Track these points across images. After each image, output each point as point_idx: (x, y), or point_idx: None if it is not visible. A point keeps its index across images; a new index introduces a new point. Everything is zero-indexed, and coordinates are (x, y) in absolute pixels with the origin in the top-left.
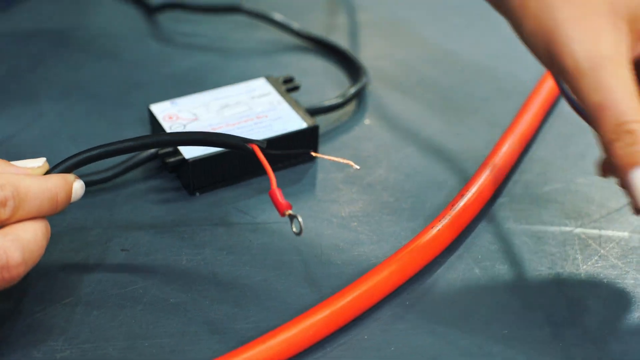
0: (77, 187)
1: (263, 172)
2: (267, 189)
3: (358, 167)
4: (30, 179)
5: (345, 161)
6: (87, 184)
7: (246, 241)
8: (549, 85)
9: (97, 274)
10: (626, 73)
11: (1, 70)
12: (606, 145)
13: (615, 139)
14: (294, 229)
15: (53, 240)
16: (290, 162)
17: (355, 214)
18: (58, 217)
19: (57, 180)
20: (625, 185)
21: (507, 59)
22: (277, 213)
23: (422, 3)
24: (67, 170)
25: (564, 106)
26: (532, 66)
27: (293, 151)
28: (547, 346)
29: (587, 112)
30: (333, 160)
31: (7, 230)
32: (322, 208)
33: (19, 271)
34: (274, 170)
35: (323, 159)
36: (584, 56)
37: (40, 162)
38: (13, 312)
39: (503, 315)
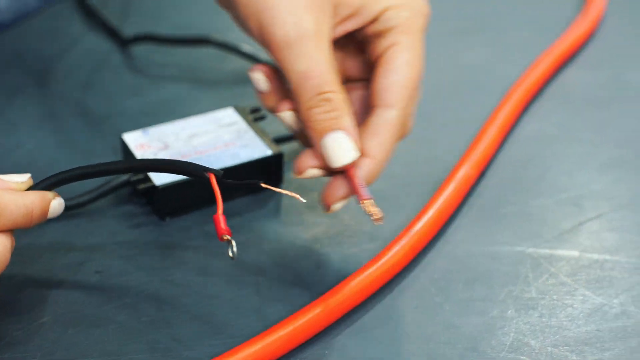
0: (55, 204)
1: (230, 197)
2: (239, 212)
3: (304, 201)
4: (10, 194)
5: (292, 194)
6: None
7: (215, 263)
8: (510, 107)
9: (73, 294)
10: (327, 48)
11: None
12: (304, 113)
13: (314, 105)
14: (230, 254)
15: (32, 261)
16: (257, 189)
17: (319, 236)
18: (36, 239)
19: (35, 197)
20: (320, 150)
21: (476, 80)
22: (248, 236)
23: None
24: (48, 188)
25: (522, 132)
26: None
27: (245, 182)
28: None
29: (290, 82)
30: (281, 192)
31: None
32: (287, 231)
33: None
34: (242, 195)
35: (290, 184)
36: (291, 29)
37: (24, 178)
38: None
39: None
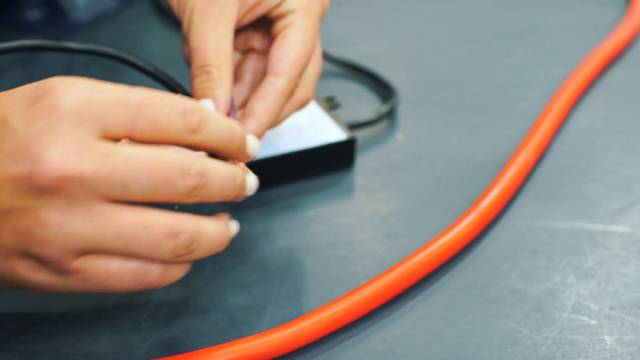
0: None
1: (311, 174)
2: (318, 189)
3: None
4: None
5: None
6: None
7: (299, 235)
8: (562, 101)
9: None
10: (224, 30)
11: None
12: (191, 81)
13: (197, 75)
14: None
15: None
16: (331, 167)
17: (393, 212)
18: None
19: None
20: None
21: (523, 79)
22: (327, 210)
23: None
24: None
25: (572, 124)
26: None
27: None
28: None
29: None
30: None
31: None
32: (364, 206)
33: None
34: (313, 176)
35: (362, 166)
36: (197, 11)
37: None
38: None
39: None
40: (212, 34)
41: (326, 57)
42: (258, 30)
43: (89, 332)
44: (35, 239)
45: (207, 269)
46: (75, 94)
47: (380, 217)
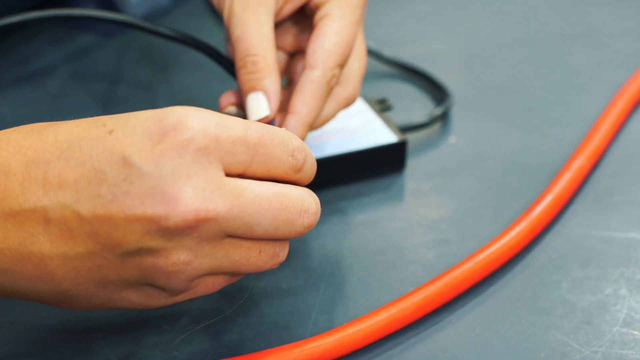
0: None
1: (360, 177)
2: (367, 193)
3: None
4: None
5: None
6: None
7: (348, 239)
8: (620, 106)
9: None
10: (265, 18)
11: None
12: (237, 73)
13: (242, 66)
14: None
15: None
16: (381, 170)
17: (444, 217)
18: None
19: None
20: (244, 106)
21: (582, 83)
22: (376, 214)
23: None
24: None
25: (629, 131)
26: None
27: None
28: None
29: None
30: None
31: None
32: (414, 211)
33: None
34: (363, 179)
35: (413, 169)
36: (237, 1)
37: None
38: None
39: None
40: (253, 22)
41: (379, 57)
42: (305, 31)
43: (130, 335)
44: (162, 275)
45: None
46: (205, 131)
47: (430, 222)
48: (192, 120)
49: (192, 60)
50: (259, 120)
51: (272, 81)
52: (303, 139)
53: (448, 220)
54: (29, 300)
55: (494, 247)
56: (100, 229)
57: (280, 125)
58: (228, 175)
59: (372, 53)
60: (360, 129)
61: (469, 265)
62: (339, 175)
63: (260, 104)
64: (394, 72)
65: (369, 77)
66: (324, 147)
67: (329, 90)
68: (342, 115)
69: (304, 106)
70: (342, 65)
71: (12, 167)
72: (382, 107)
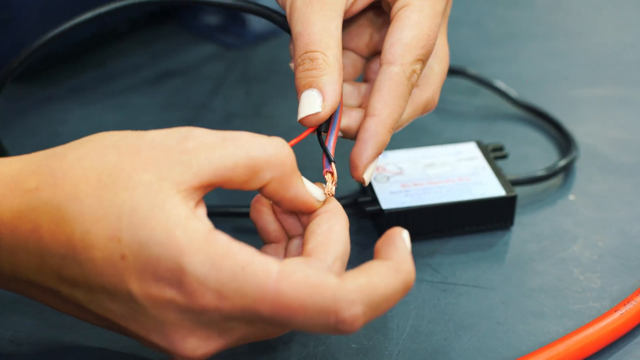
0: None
1: (461, 231)
2: (465, 250)
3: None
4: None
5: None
6: None
7: (433, 299)
8: None
9: None
10: (330, 16)
11: None
12: (295, 71)
13: (300, 63)
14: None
15: None
16: (485, 226)
17: (545, 286)
18: None
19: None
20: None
21: None
22: (468, 275)
23: None
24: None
25: None
26: None
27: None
28: None
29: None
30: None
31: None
32: (511, 276)
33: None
34: (466, 233)
35: (522, 227)
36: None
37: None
38: None
39: None
40: (316, 17)
41: (505, 96)
42: (382, 30)
43: None
44: None
45: None
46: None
47: (528, 291)
48: (200, 283)
49: None
50: (310, 116)
51: (331, 79)
52: (386, 143)
53: (547, 291)
54: None
55: (594, 328)
56: None
57: (360, 129)
58: None
59: (499, 92)
60: (466, 177)
61: (561, 347)
62: (436, 227)
63: (312, 101)
64: (519, 114)
65: (490, 117)
66: (424, 194)
67: (410, 88)
68: (453, 159)
69: (384, 107)
70: (423, 60)
71: None
72: (496, 155)
